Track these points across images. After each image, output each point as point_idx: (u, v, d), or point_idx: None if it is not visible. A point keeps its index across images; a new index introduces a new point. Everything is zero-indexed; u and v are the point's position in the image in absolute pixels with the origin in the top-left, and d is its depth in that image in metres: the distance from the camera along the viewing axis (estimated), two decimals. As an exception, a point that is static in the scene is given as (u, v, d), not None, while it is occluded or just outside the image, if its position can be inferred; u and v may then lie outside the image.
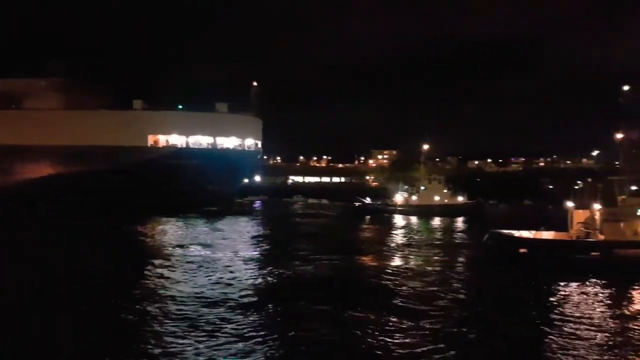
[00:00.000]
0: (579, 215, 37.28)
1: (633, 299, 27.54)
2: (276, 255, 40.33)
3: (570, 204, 39.05)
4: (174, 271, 33.09)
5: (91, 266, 33.88)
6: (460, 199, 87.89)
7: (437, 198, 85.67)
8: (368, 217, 78.79)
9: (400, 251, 43.87)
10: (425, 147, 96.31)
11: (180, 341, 19.73)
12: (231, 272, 32.68)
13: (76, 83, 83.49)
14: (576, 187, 46.09)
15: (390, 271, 34.05)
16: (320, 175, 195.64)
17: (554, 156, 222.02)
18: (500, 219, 68.37)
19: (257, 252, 41.98)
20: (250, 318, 22.76)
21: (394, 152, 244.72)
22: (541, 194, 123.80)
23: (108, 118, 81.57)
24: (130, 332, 21.16)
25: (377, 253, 42.52)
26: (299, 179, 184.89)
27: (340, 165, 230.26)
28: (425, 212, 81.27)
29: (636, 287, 29.47)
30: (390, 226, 65.26)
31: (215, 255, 38.72)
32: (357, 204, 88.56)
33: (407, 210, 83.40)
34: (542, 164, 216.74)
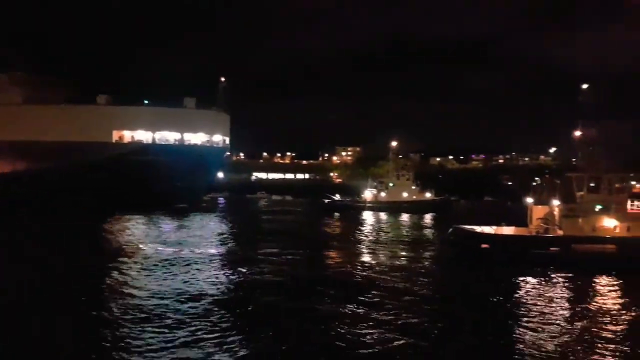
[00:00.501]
0: (538, 211, 38.21)
1: (592, 292, 28.26)
2: (243, 253, 39.91)
3: (529, 200, 40.45)
4: (134, 269, 32.31)
5: (51, 265, 32.80)
6: (428, 195, 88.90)
7: (405, 194, 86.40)
8: (337, 213, 79.16)
9: (367, 247, 44.20)
10: (394, 143, 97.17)
11: (138, 337, 19.47)
12: (198, 270, 32.17)
13: (38, 77, 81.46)
14: (535, 184, 48.19)
15: (357, 267, 34.33)
16: (284, 172, 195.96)
17: (513, 153, 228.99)
18: (466, 214, 70.01)
19: (224, 250, 41.72)
20: (216, 316, 22.49)
21: (358, 149, 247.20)
22: (500, 190, 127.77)
23: (71, 113, 79.53)
24: (85, 329, 20.77)
25: (344, 249, 42.70)
26: (262, 175, 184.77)
27: (304, 162, 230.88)
28: (394, 208, 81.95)
29: (594, 282, 30.22)
30: (359, 222, 65.60)
31: (181, 254, 37.61)
32: (326, 200, 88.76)
33: (376, 206, 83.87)
34: (501, 160, 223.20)
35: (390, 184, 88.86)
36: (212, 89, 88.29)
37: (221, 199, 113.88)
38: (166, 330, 20.54)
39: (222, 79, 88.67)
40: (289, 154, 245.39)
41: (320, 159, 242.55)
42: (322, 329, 21.20)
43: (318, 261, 37.60)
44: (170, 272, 31.54)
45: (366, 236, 52.05)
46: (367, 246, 45.06)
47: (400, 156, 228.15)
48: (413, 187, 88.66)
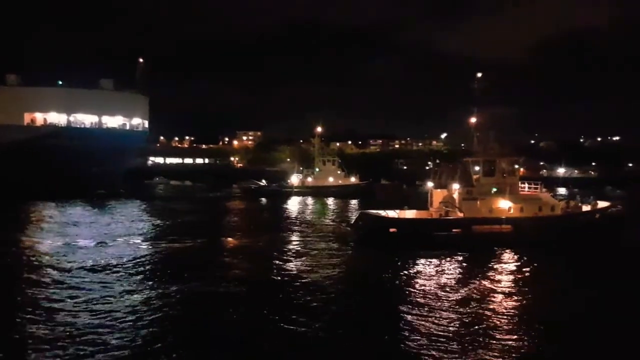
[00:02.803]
0: (438, 195, 39.67)
1: (490, 268, 29.62)
2: (149, 240, 37.48)
3: (429, 184, 41.54)
4: (41, 259, 29.86)
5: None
6: (353, 179, 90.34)
7: (331, 179, 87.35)
8: (264, 199, 78.54)
9: (283, 232, 42.74)
10: (319, 129, 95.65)
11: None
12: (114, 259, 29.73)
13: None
14: (436, 168, 49.33)
15: (260, 254, 33.45)
16: (183, 157, 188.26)
17: (408, 138, 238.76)
18: (385, 199, 69.82)
19: (141, 240, 38.00)
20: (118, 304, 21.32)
21: (259, 133, 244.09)
22: (396, 174, 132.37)
23: (-24, 94, 73.93)
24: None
25: (257, 235, 40.90)
26: (159, 160, 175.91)
27: (204, 146, 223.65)
28: (320, 193, 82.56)
29: (492, 259, 31.73)
30: (282, 208, 64.89)
31: (94, 249, 33.70)
32: (252, 186, 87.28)
33: (303, 191, 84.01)
34: (397, 145, 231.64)
35: (317, 169, 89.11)
36: (130, 70, 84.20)
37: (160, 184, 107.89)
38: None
39: (141, 60, 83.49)
40: (187, 137, 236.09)
41: (221, 143, 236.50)
42: (227, 316, 20.31)
43: (224, 247, 36.23)
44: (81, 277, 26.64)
45: (283, 221, 50.73)
46: (280, 231, 43.48)
47: (302, 141, 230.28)
48: (339, 172, 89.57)
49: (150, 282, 25.46)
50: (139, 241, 37.20)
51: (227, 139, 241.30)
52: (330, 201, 75.62)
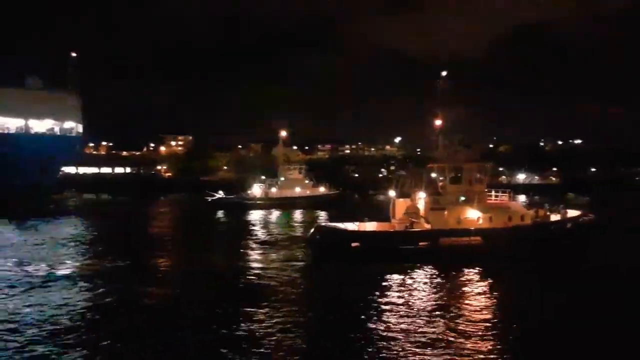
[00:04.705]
0: (401, 205, 39.39)
1: (457, 284, 29.98)
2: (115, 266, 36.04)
3: (391, 193, 42.66)
4: None
5: None
6: (322, 189, 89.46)
7: (298, 189, 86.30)
8: (222, 212, 76.72)
9: (239, 249, 42.44)
10: (284, 133, 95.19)
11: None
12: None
13: None
14: (398, 175, 50.90)
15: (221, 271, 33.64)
16: (99, 165, 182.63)
17: (359, 143, 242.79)
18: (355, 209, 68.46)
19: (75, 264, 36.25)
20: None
21: (190, 138, 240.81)
22: (347, 182, 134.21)
23: None
24: None
25: (214, 252, 41.29)
26: (70, 169, 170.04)
27: (124, 153, 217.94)
28: (286, 204, 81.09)
29: (461, 274, 32.23)
30: (242, 222, 63.31)
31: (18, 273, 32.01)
32: (209, 198, 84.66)
33: (267, 203, 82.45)
34: (347, 151, 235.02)
35: (281, 179, 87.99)
36: (61, 67, 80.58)
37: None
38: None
39: (73, 54, 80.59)
40: (104, 143, 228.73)
41: (145, 149, 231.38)
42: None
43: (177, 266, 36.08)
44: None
45: (241, 236, 49.54)
46: (236, 247, 43.17)
47: (240, 146, 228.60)
48: (306, 181, 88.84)
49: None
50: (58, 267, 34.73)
51: (152, 144, 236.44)
52: (298, 214, 73.93)
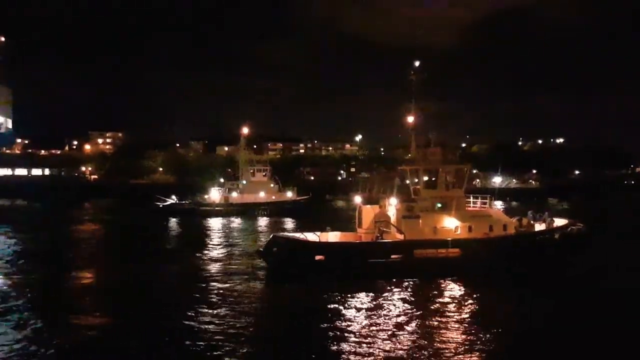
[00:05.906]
0: (369, 212, 38.02)
1: (442, 303, 29.39)
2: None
3: (357, 199, 41.35)
4: None
5: None
6: (289, 194, 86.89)
7: (262, 194, 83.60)
8: (174, 219, 73.80)
9: (189, 263, 41.88)
10: (245, 130, 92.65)
11: None
12: None
13: None
14: (364, 178, 49.74)
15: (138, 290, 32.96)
16: (12, 167, 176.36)
17: (315, 141, 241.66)
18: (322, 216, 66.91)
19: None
20: None
21: (120, 134, 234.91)
22: (302, 186, 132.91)
23: None
24: None
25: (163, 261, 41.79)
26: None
27: (43, 152, 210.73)
28: (249, 211, 79.17)
29: (435, 290, 31.65)
30: (197, 231, 61.61)
31: None
32: (160, 204, 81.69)
33: (227, 210, 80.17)
34: (302, 150, 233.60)
35: (243, 182, 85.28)
36: None
37: None
38: None
39: (2, 39, 77.08)
40: (19, 141, 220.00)
41: (67, 148, 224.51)
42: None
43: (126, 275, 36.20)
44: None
45: (196, 249, 48.15)
46: (179, 262, 42.90)
47: (178, 144, 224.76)
48: (272, 185, 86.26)
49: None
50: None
51: (75, 142, 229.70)
52: (262, 222, 71.66)
